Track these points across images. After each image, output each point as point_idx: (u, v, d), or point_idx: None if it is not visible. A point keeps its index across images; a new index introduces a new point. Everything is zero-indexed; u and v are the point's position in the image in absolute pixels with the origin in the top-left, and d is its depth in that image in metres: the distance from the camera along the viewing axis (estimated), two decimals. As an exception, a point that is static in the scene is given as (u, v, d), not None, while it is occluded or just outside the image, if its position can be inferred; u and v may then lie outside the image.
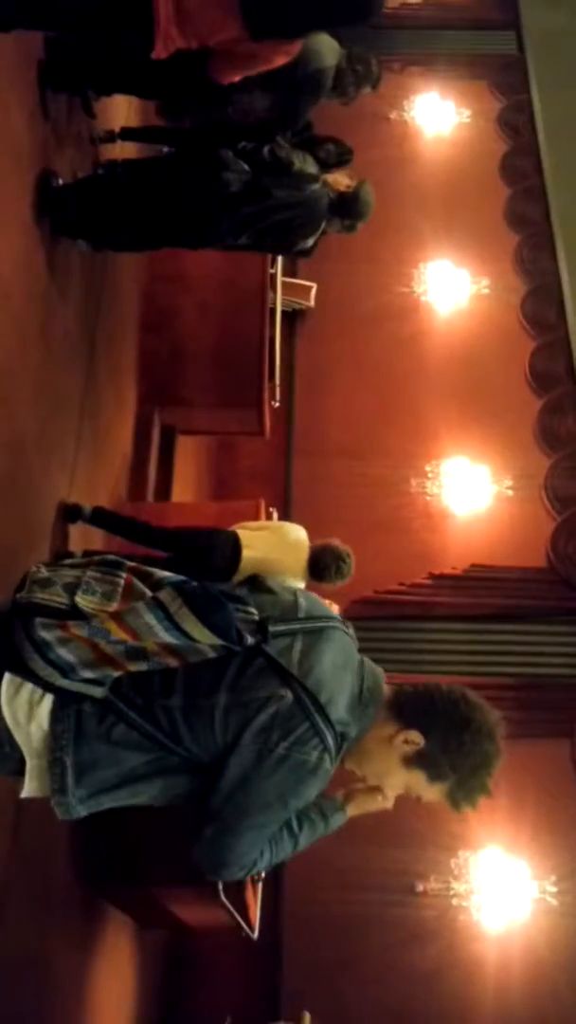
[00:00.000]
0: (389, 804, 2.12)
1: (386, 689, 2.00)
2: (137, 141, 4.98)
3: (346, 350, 8.42)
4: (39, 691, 1.83)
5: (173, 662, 1.84)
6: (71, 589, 1.89)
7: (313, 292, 8.38)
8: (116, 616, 1.84)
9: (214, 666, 1.85)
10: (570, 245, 8.91)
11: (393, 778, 2.00)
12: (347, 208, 4.35)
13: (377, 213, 4.53)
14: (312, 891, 5.95)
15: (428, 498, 7.73)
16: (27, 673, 1.82)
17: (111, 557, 1.99)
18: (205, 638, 1.82)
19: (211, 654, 1.84)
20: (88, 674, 1.81)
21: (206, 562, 4.45)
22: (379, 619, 7.08)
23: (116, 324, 5.29)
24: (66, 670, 1.80)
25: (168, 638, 1.82)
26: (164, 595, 1.85)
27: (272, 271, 6.51)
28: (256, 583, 2.09)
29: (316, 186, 4.23)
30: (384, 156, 8.79)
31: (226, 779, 1.85)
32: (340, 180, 4.39)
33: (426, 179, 9.29)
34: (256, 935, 4.50)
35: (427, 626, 7.31)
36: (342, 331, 8.48)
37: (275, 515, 5.89)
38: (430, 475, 7.78)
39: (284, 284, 6.93)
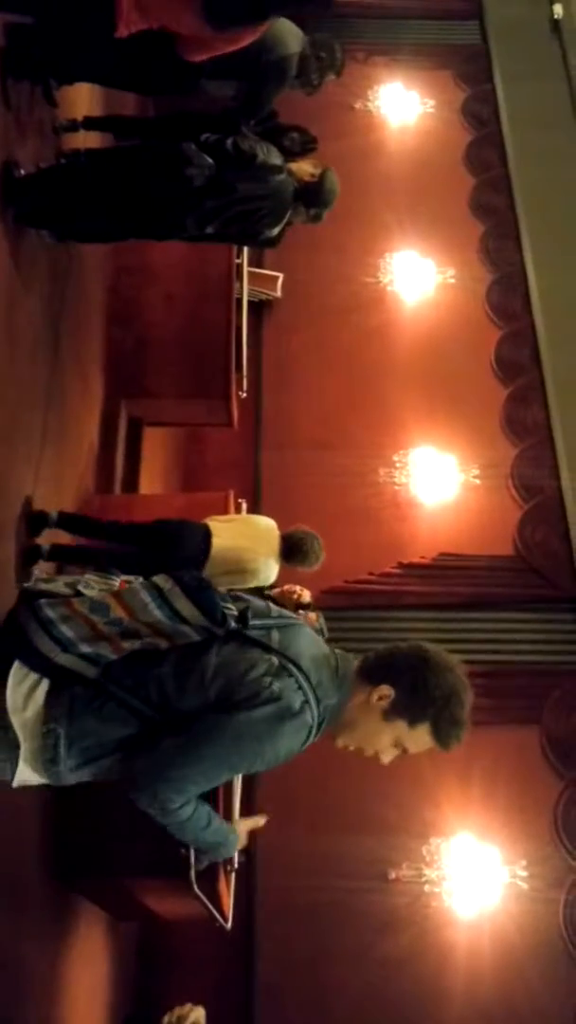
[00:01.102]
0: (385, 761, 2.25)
1: (354, 662, 2.20)
2: (100, 130, 4.94)
3: (313, 340, 8.42)
4: (36, 676, 2.02)
5: (163, 643, 2.05)
6: (72, 585, 2.16)
7: (280, 282, 8.36)
8: (115, 594, 2.09)
9: (200, 644, 2.07)
10: (535, 234, 8.95)
11: (381, 736, 2.15)
12: (312, 196, 4.35)
13: (342, 203, 4.53)
14: (285, 880, 5.97)
15: (396, 488, 7.75)
16: (32, 653, 2.01)
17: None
18: (193, 617, 2.05)
19: (196, 637, 2.06)
20: (86, 648, 2.01)
21: (177, 551, 4.44)
22: (349, 609, 7.10)
23: (81, 315, 5.25)
24: (66, 644, 2.00)
25: (160, 615, 2.04)
26: (159, 578, 2.10)
27: (238, 261, 6.49)
28: (231, 593, 2.28)
29: (280, 176, 4.23)
30: (349, 146, 8.78)
31: (210, 703, 2.00)
32: (304, 168, 4.38)
33: (391, 169, 9.29)
34: (229, 925, 4.51)
35: (397, 615, 7.34)
36: (309, 321, 8.47)
37: (244, 506, 5.89)
38: (398, 465, 7.80)
39: (250, 274, 6.92)
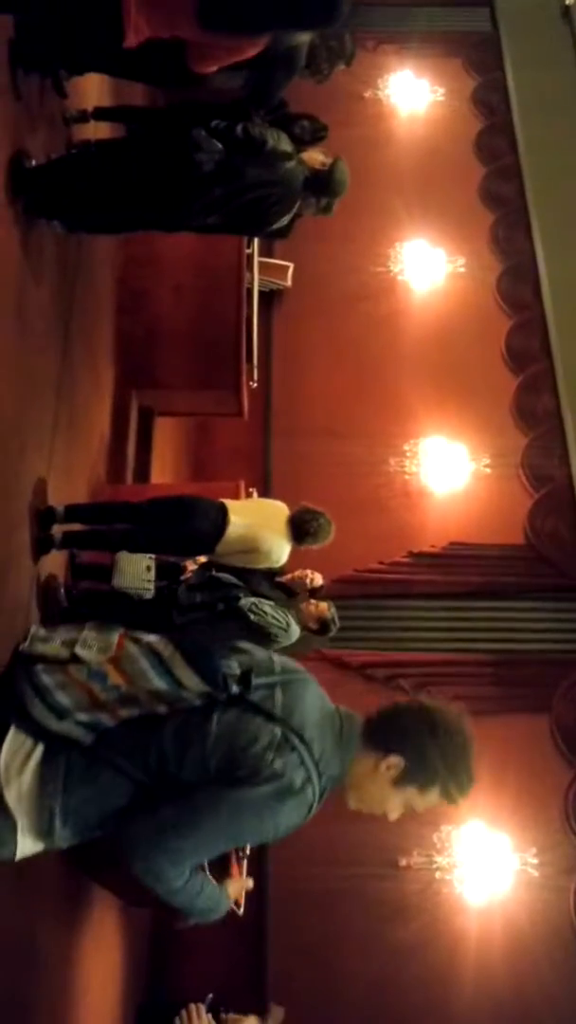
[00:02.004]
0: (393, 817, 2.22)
1: (359, 722, 2.15)
2: (110, 121, 4.94)
3: (323, 330, 8.42)
4: (31, 741, 1.97)
5: (162, 708, 2.01)
6: (70, 644, 2.07)
7: (290, 272, 8.36)
8: (114, 660, 2.03)
9: (200, 711, 2.01)
10: (545, 223, 8.92)
11: (391, 802, 2.14)
12: (322, 185, 4.33)
13: (352, 192, 4.52)
14: (296, 867, 6.00)
15: (407, 477, 7.76)
16: (27, 719, 1.97)
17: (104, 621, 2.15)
18: (193, 685, 2.00)
19: (197, 702, 2.01)
20: (82, 717, 1.97)
21: (192, 528, 4.46)
22: (359, 597, 7.12)
23: (91, 306, 5.26)
24: (62, 713, 1.97)
25: (160, 684, 2.00)
26: (158, 642, 2.05)
27: (248, 251, 6.49)
28: (232, 647, 2.18)
29: (291, 164, 4.21)
30: (359, 135, 8.76)
31: (210, 775, 1.95)
32: (315, 156, 4.37)
33: (401, 158, 9.27)
34: (241, 911, 4.54)
35: (407, 604, 7.36)
36: (319, 311, 8.47)
37: (255, 495, 5.91)
38: (408, 454, 7.81)
39: (260, 264, 6.91)
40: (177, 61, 3.70)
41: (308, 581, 4.99)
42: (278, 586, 4.91)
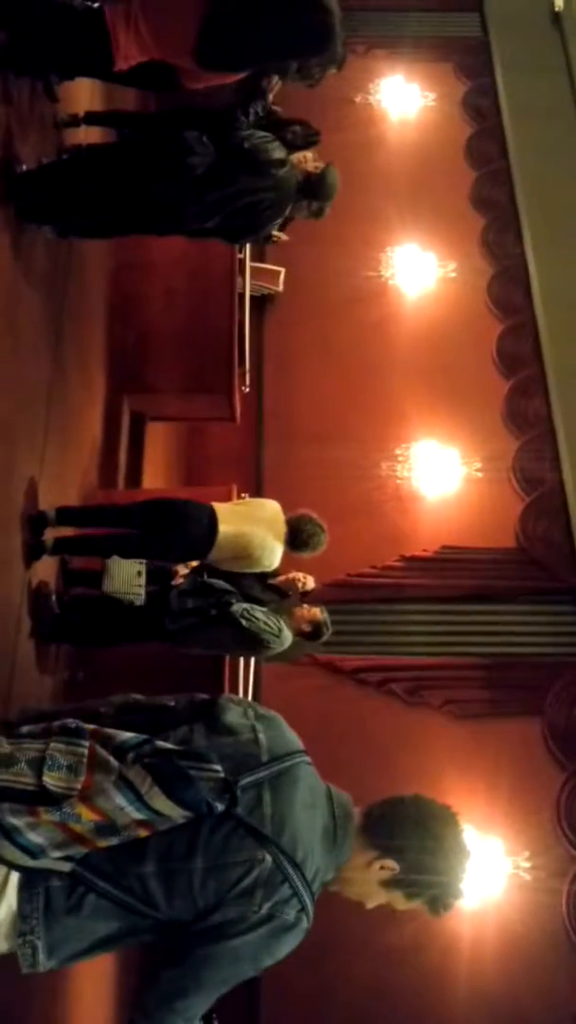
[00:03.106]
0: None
1: (356, 816, 2.05)
2: (101, 125, 4.94)
3: (315, 334, 8.43)
4: (4, 870, 1.85)
5: (143, 832, 1.86)
6: (36, 766, 1.88)
7: (282, 277, 8.37)
8: (85, 798, 1.84)
9: (185, 830, 1.88)
10: (536, 228, 8.95)
11: (374, 899, 2.09)
12: (314, 190, 4.34)
13: (343, 197, 4.53)
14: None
15: (399, 481, 7.77)
16: None
17: (71, 724, 1.96)
18: (175, 813, 1.85)
19: (180, 821, 1.87)
20: (58, 854, 1.82)
21: (184, 533, 4.45)
22: (352, 602, 7.12)
23: (83, 311, 5.26)
24: (36, 852, 1.81)
25: (138, 816, 1.84)
26: (133, 775, 1.85)
27: (240, 256, 6.50)
28: (213, 724, 2.05)
29: (284, 170, 4.22)
30: (350, 140, 8.77)
31: (201, 927, 1.88)
32: (306, 157, 4.39)
33: (392, 163, 9.29)
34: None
35: (399, 608, 7.36)
36: (311, 315, 8.47)
37: (246, 499, 5.90)
38: (400, 458, 7.82)
39: (252, 269, 6.93)
40: (169, 70, 3.73)
41: (300, 584, 4.99)
42: (270, 588, 4.91)
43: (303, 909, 1.92)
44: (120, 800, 1.83)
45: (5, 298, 3.87)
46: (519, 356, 8.40)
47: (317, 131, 4.76)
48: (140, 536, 4.51)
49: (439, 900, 2.06)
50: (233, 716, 2.06)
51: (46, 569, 4.48)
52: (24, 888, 1.86)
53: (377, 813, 2.06)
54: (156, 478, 6.88)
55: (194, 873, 1.87)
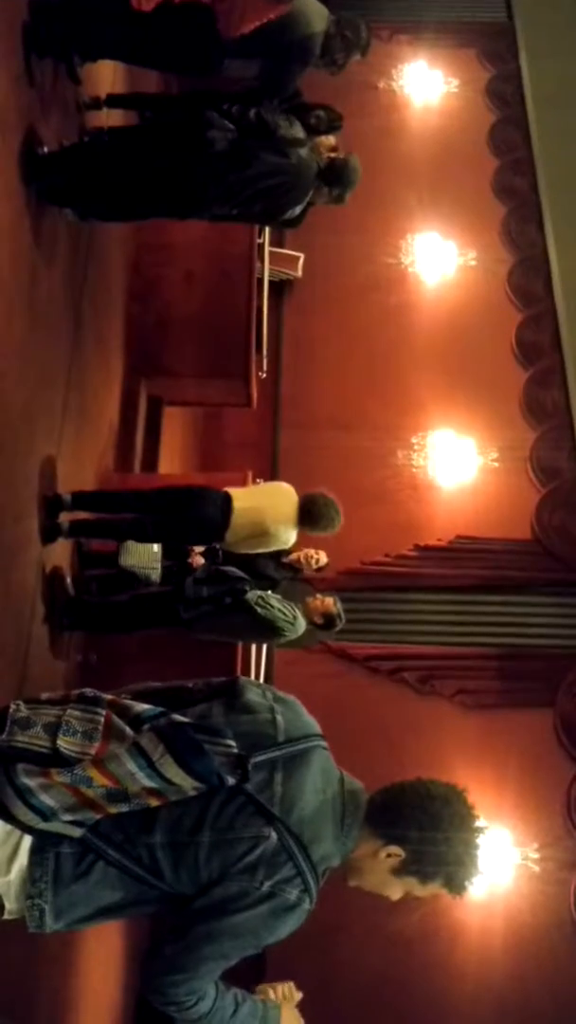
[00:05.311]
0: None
1: (364, 805, 2.05)
2: (123, 108, 4.93)
3: (333, 321, 8.40)
4: (18, 834, 1.88)
5: (154, 802, 1.87)
6: (52, 730, 1.89)
7: (300, 262, 8.34)
8: (98, 763, 1.85)
9: (195, 804, 1.90)
10: (557, 217, 8.88)
11: (391, 889, 2.08)
12: (336, 175, 4.32)
13: (365, 183, 4.51)
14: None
15: (414, 470, 7.75)
16: (8, 818, 1.85)
17: (89, 692, 1.98)
18: (186, 783, 1.85)
19: (191, 793, 1.88)
20: (69, 817, 1.84)
21: (200, 514, 4.46)
22: (365, 590, 7.12)
23: (102, 294, 5.26)
24: (47, 814, 1.83)
25: (150, 784, 1.85)
26: (146, 741, 1.87)
27: (259, 241, 6.48)
28: (232, 701, 2.07)
29: (304, 151, 4.20)
30: (372, 126, 8.73)
31: (203, 903, 1.91)
32: (326, 142, 4.37)
33: (414, 149, 9.23)
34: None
35: (412, 597, 7.35)
36: (329, 302, 8.45)
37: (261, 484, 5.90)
38: (416, 447, 7.80)
39: (271, 254, 6.90)
40: (193, 40, 3.68)
41: (314, 560, 5.00)
42: (283, 566, 4.93)
43: (306, 890, 1.94)
44: (131, 766, 1.84)
45: (26, 280, 3.87)
46: (538, 346, 8.36)
47: (340, 116, 4.73)
48: (156, 519, 4.52)
49: (454, 879, 2.05)
50: (252, 695, 2.08)
51: (62, 553, 4.49)
52: (35, 852, 1.89)
53: (379, 800, 2.05)
54: (172, 463, 6.88)
55: (201, 847, 1.89)
